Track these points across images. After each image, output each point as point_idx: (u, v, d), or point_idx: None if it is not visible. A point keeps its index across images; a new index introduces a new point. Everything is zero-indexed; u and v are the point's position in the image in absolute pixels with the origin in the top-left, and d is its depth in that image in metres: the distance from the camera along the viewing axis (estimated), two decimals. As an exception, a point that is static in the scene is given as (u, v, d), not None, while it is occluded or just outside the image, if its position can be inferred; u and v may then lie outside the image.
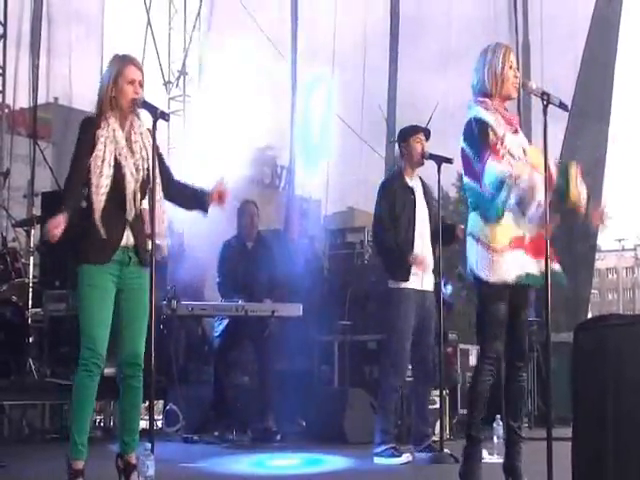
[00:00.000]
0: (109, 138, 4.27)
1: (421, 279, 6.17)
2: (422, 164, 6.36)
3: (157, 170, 4.35)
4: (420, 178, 6.43)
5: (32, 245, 8.41)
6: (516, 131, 4.43)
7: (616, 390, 3.23)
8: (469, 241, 4.36)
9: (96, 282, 4.23)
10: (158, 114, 4.32)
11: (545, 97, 4.18)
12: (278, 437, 7.41)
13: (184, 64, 13.50)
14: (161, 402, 7.76)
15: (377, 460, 6.01)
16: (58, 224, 4.05)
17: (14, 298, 7.83)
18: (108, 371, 4.42)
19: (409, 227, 6.21)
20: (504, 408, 4.56)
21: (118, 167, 4.25)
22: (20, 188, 11.55)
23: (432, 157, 6.23)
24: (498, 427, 5.42)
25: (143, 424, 4.59)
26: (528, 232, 4.30)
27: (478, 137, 4.30)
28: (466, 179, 4.41)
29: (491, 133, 4.31)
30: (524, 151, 4.40)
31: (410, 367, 6.35)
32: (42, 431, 7.60)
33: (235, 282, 7.68)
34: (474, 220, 4.36)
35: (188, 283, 8.81)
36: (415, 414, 6.38)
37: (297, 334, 8.32)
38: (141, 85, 4.36)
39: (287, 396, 7.83)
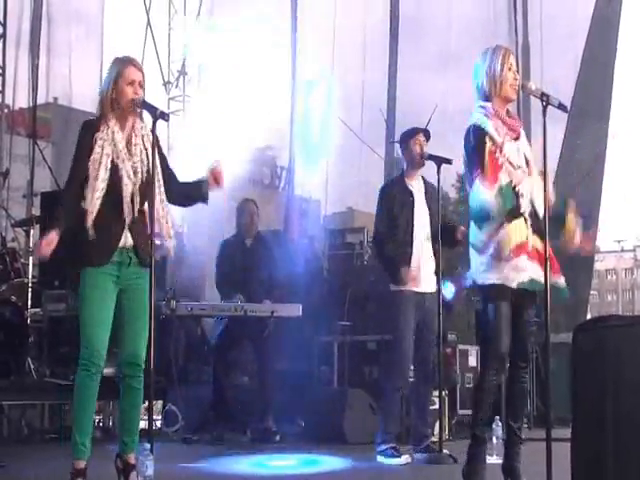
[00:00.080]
0: (107, 141, 4.27)
1: (421, 281, 6.20)
2: (422, 165, 6.38)
3: (160, 173, 4.34)
4: (423, 179, 6.44)
5: (31, 245, 8.40)
6: (517, 137, 4.42)
7: (615, 391, 3.23)
8: (471, 251, 4.37)
9: (96, 283, 4.25)
10: (158, 114, 4.32)
11: (544, 98, 4.18)
12: (277, 437, 7.41)
13: (184, 64, 13.49)
14: (160, 402, 7.76)
15: (379, 459, 6.02)
16: (50, 242, 4.11)
17: (13, 298, 7.82)
18: (107, 371, 4.43)
19: (407, 229, 6.24)
20: (505, 409, 4.56)
21: (115, 170, 4.25)
22: (19, 188, 11.55)
23: (431, 158, 6.25)
24: (497, 428, 5.42)
25: (142, 424, 4.58)
26: (532, 239, 4.30)
27: (473, 148, 4.33)
28: (467, 186, 4.43)
29: (489, 142, 4.31)
30: (526, 157, 4.40)
31: (412, 367, 6.36)
32: (41, 431, 7.60)
33: (234, 279, 7.69)
34: (474, 230, 4.38)
35: (188, 283, 8.82)
36: (415, 415, 6.38)
37: (296, 334, 8.32)
38: (141, 86, 4.36)
39: (286, 396, 7.83)
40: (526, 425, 7.23)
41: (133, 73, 4.35)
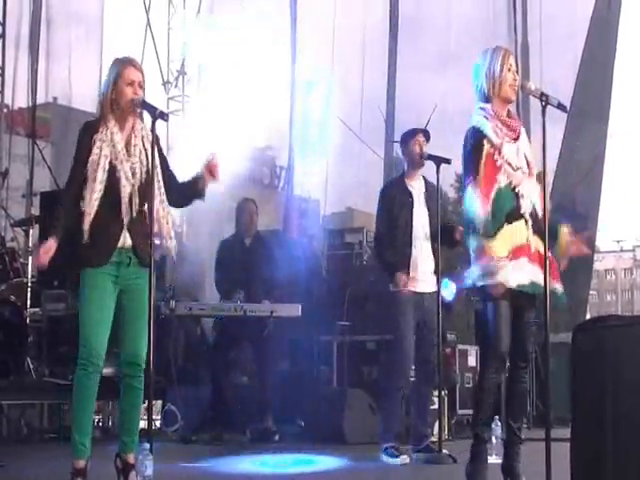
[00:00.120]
0: (106, 142, 4.28)
1: (419, 281, 6.21)
2: (422, 165, 6.40)
3: (160, 173, 4.34)
4: (424, 179, 6.45)
5: (30, 245, 8.40)
6: (517, 138, 4.42)
7: (615, 391, 3.23)
8: (472, 256, 4.37)
9: (95, 283, 4.26)
10: (157, 114, 4.32)
11: (544, 98, 4.18)
12: (276, 437, 7.42)
13: (183, 64, 13.49)
14: (159, 402, 7.76)
15: (383, 457, 6.04)
16: (48, 250, 4.14)
17: (12, 298, 7.82)
18: (107, 371, 4.43)
19: (406, 229, 6.26)
20: (505, 408, 4.56)
21: (112, 171, 4.26)
22: (19, 188, 11.54)
23: (431, 158, 6.27)
24: (497, 427, 5.42)
25: (142, 424, 4.59)
26: (533, 241, 4.29)
27: (469, 152, 4.35)
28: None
29: (487, 145, 4.31)
30: (526, 158, 4.39)
31: (413, 367, 6.37)
32: (40, 431, 7.61)
33: (233, 278, 7.69)
34: (467, 235, 4.38)
35: (187, 283, 8.82)
36: (415, 414, 6.38)
37: (296, 334, 8.33)
38: (140, 86, 4.36)
39: (286, 396, 7.84)
40: (525, 425, 7.22)
41: (132, 73, 4.35)
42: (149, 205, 4.28)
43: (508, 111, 4.48)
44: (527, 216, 4.32)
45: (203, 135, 9.20)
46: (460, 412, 8.27)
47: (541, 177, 4.36)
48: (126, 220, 4.29)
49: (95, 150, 4.25)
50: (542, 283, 4.15)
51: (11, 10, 11.75)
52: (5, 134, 12.08)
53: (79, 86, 12.69)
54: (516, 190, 4.30)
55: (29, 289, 8.11)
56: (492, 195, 4.26)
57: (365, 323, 8.64)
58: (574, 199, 11.59)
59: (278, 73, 11.31)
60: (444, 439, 6.24)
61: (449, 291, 6.35)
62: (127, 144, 4.33)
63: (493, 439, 5.47)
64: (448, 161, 6.14)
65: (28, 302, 8.05)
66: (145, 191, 4.30)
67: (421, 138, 6.40)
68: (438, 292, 6.09)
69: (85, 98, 11.96)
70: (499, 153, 4.31)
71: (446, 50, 12.75)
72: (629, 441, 3.18)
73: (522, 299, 4.33)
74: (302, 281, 8.45)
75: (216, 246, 8.19)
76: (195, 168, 4.52)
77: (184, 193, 4.57)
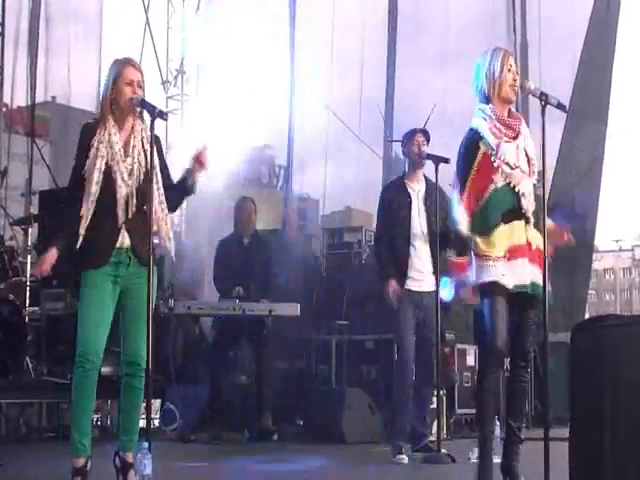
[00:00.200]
0: (103, 143, 4.28)
1: (420, 281, 6.22)
2: (422, 165, 6.41)
3: (159, 174, 4.33)
4: (426, 179, 6.45)
5: (29, 244, 8.40)
6: (516, 136, 4.40)
7: (613, 390, 3.24)
8: (470, 255, 4.37)
9: (95, 283, 4.27)
10: (156, 113, 4.31)
11: (543, 98, 4.18)
12: (275, 436, 7.42)
13: (182, 63, 13.50)
14: (158, 401, 7.77)
15: (397, 455, 6.02)
16: (50, 259, 4.20)
17: (11, 297, 7.82)
18: (105, 370, 4.43)
19: (405, 230, 6.29)
20: (505, 408, 4.55)
21: (109, 171, 4.26)
22: (18, 187, 11.53)
23: (429, 157, 6.29)
24: (496, 427, 5.41)
25: (141, 423, 4.59)
26: (534, 240, 4.29)
27: (461, 154, 4.36)
28: None
29: (483, 146, 4.31)
30: (527, 155, 4.38)
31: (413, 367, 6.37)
32: (39, 430, 7.61)
33: (231, 276, 7.69)
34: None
35: (186, 282, 8.83)
36: (414, 414, 6.37)
37: (295, 333, 8.33)
38: (140, 86, 4.35)
39: (285, 395, 7.85)
40: (524, 424, 7.22)
41: (131, 73, 4.35)
42: (148, 205, 4.27)
43: (509, 110, 4.47)
44: (529, 215, 4.31)
45: (202, 134, 9.21)
46: (459, 411, 8.26)
47: (541, 175, 4.36)
48: (123, 220, 4.29)
49: (92, 151, 4.26)
50: (541, 283, 4.16)
51: (10, 8, 11.74)
52: (4, 133, 12.08)
53: (78, 85, 12.68)
54: (516, 189, 4.29)
55: (28, 288, 8.10)
56: (487, 195, 4.26)
57: (364, 322, 8.64)
58: (573, 199, 11.59)
59: (277, 73, 11.32)
60: (443, 438, 6.25)
61: (447, 292, 6.34)
62: (125, 144, 4.32)
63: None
64: (447, 160, 6.12)
65: (27, 301, 8.03)
66: (143, 191, 4.29)
67: (420, 138, 6.40)
68: (437, 292, 6.09)
69: (84, 97, 11.98)
70: (496, 154, 4.30)
71: (445, 49, 12.73)
72: (628, 440, 3.18)
73: (522, 299, 4.33)
74: (301, 280, 8.46)
75: (215, 245, 8.19)
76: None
77: (178, 195, 4.53)
